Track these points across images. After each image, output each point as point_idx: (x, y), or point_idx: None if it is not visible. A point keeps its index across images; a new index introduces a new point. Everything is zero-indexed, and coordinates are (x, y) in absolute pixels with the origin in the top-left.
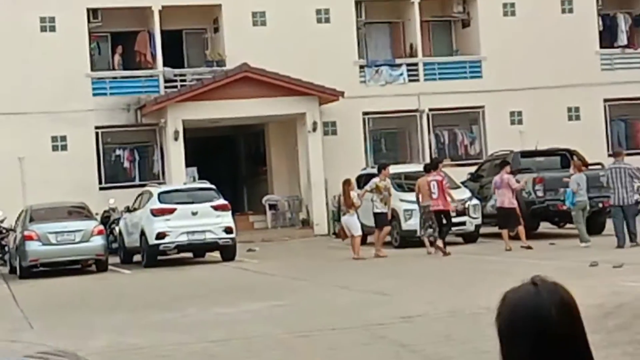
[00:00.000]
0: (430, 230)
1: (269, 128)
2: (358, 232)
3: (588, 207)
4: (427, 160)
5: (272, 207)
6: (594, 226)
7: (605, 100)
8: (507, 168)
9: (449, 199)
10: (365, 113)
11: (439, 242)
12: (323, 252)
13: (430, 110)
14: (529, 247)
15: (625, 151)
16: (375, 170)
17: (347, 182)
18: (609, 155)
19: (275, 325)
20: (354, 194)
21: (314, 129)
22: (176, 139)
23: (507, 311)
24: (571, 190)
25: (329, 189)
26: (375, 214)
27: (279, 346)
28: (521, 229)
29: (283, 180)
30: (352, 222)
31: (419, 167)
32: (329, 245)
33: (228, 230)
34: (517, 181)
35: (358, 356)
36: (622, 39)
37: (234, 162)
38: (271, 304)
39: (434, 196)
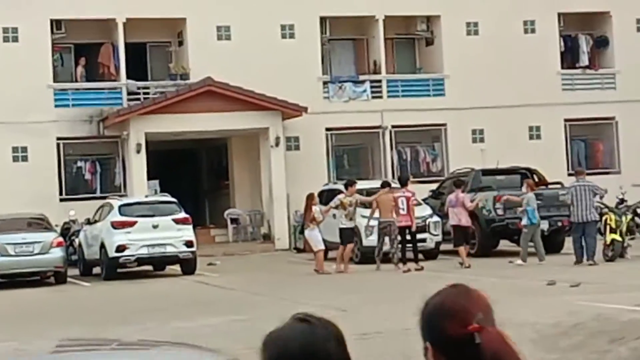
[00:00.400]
0: (393, 247)
1: (232, 142)
2: (320, 246)
3: (547, 226)
4: (389, 177)
5: (234, 221)
6: (553, 245)
7: (566, 120)
8: (461, 188)
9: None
10: (328, 129)
11: (396, 258)
12: (284, 267)
13: (393, 127)
14: (468, 266)
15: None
16: (337, 186)
17: (310, 197)
18: (569, 175)
19: (234, 340)
20: (316, 208)
21: (277, 144)
22: (138, 151)
23: (277, 351)
24: (533, 209)
25: (291, 203)
26: (341, 230)
27: None
28: (463, 250)
29: (245, 194)
30: (313, 237)
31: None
32: (289, 260)
33: (189, 243)
34: (471, 200)
35: None
36: (584, 59)
37: (196, 176)
38: (231, 318)
39: (402, 212)
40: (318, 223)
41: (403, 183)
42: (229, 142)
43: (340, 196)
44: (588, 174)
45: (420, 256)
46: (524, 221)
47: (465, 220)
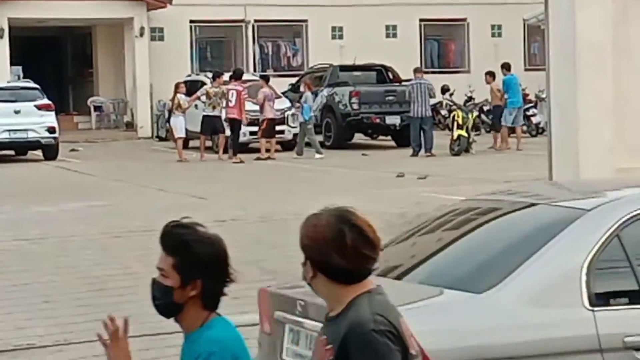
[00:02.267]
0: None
1: (97, 31)
2: (180, 134)
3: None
4: (251, 70)
5: (97, 108)
6: (404, 138)
7: (421, 20)
8: (262, 82)
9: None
10: (192, 21)
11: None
12: (146, 155)
13: (256, 21)
14: (242, 162)
15: (437, 69)
16: (200, 77)
17: (177, 85)
18: (425, 72)
19: (91, 225)
20: (181, 96)
21: (141, 34)
22: (1, 37)
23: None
24: (308, 106)
25: (154, 93)
26: (203, 117)
27: (94, 245)
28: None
29: (109, 83)
30: (177, 123)
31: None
32: (152, 148)
33: (51, 129)
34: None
35: None
36: None
37: (61, 64)
38: (89, 204)
39: (231, 104)
40: (183, 110)
41: (237, 77)
42: (93, 31)
43: (207, 86)
44: (440, 72)
45: (279, 147)
46: (300, 118)
47: (272, 113)
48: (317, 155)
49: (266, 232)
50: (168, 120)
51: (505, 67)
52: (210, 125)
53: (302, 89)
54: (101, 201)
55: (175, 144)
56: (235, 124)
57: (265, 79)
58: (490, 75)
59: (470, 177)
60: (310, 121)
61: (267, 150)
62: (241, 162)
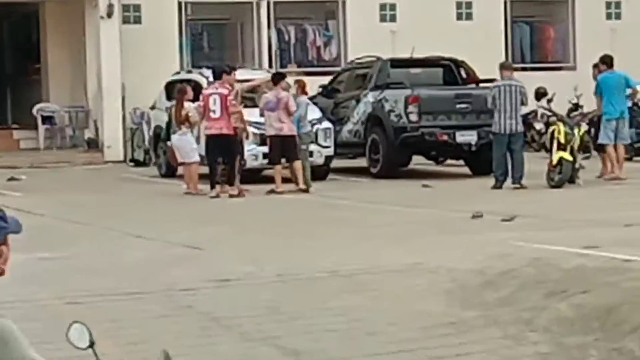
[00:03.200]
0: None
1: (46, 9)
2: (194, 157)
3: (475, 139)
4: (265, 65)
5: (47, 120)
6: (483, 163)
7: None
8: (283, 83)
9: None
10: None
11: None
12: (116, 186)
13: None
14: (306, 190)
15: (529, 64)
16: (193, 76)
17: (182, 91)
18: None
19: (39, 286)
20: (190, 105)
21: (109, 14)
22: None
23: None
24: (299, 116)
25: (128, 98)
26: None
27: (43, 315)
28: (298, 165)
29: (63, 83)
30: (185, 143)
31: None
32: (124, 176)
33: None
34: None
35: (152, 331)
36: None
37: None
38: (36, 256)
39: (214, 115)
40: (192, 125)
41: (217, 75)
42: (41, 9)
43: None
44: (534, 69)
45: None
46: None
47: (289, 129)
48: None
49: (286, 296)
50: (166, 140)
51: (604, 61)
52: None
53: (292, 90)
54: (53, 252)
55: (186, 170)
56: (226, 143)
57: (278, 78)
58: (604, 62)
59: (576, 219)
60: (306, 139)
61: (289, 180)
62: (240, 195)
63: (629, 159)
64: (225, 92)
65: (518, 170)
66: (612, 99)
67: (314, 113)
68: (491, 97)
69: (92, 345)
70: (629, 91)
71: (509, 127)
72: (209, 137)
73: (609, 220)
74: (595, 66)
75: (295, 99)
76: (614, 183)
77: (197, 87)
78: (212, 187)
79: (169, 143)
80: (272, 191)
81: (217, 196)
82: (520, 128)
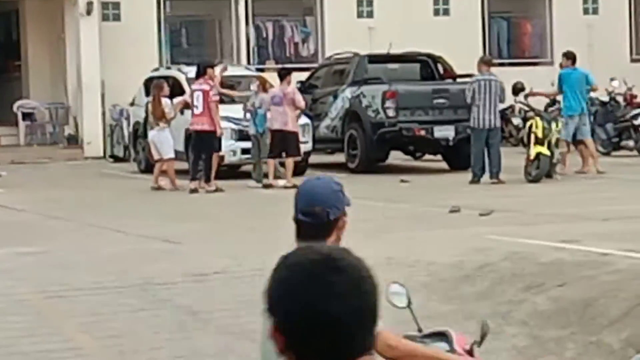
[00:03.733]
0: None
1: (25, 6)
2: (170, 154)
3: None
4: (244, 62)
5: (27, 116)
6: (461, 158)
7: None
8: (289, 78)
9: (217, 118)
10: None
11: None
12: (96, 182)
13: None
14: (295, 186)
15: (507, 60)
16: (172, 72)
17: (158, 87)
18: None
19: (18, 280)
20: (167, 101)
21: (89, 12)
22: None
23: None
24: (263, 113)
25: (107, 94)
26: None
27: (23, 309)
28: (290, 163)
29: (43, 80)
30: (163, 140)
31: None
32: (103, 172)
33: None
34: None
35: (130, 325)
36: None
37: None
38: (16, 251)
39: (196, 111)
40: (169, 120)
41: (201, 71)
42: (21, 7)
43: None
44: (512, 64)
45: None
46: (251, 129)
47: (293, 124)
48: (252, 183)
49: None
50: (144, 136)
51: (568, 57)
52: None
53: (253, 87)
54: (34, 247)
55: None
56: (206, 139)
57: (284, 73)
58: (569, 58)
59: (553, 213)
60: (266, 135)
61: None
62: (218, 190)
63: (607, 154)
64: (207, 87)
65: (495, 165)
66: (573, 95)
67: None
68: (470, 92)
69: (409, 305)
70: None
71: (488, 122)
72: (192, 132)
73: (587, 215)
74: (565, 55)
75: (257, 95)
76: (591, 177)
77: (175, 84)
78: (192, 180)
79: (147, 139)
80: (270, 185)
81: (196, 190)
82: (498, 123)
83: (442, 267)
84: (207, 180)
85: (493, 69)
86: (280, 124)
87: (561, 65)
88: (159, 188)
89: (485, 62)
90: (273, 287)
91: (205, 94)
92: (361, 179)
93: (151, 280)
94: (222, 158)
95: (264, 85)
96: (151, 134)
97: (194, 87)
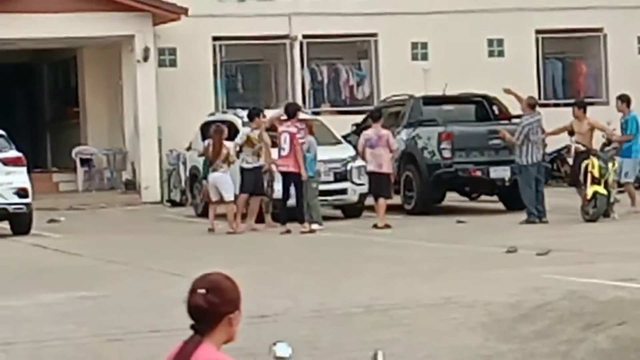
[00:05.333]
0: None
1: (84, 55)
2: (230, 197)
3: (508, 174)
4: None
5: (85, 162)
6: (516, 198)
7: (538, 32)
8: (381, 121)
9: (302, 161)
10: (216, 38)
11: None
12: (154, 225)
13: (305, 37)
14: (387, 226)
15: (562, 100)
16: (228, 117)
17: (219, 131)
18: (542, 105)
19: (79, 324)
20: (230, 145)
21: (145, 58)
22: None
23: None
24: (312, 156)
25: (164, 139)
26: (245, 170)
27: (82, 353)
28: (383, 203)
29: (101, 126)
30: (225, 182)
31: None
32: (161, 216)
33: (22, 192)
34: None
35: None
36: None
37: (34, 100)
38: (75, 295)
39: (283, 153)
40: (230, 164)
41: (290, 114)
42: (79, 55)
43: (246, 130)
44: (566, 105)
45: (339, 213)
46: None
47: (387, 166)
48: (315, 226)
49: (322, 331)
50: (203, 178)
51: (622, 99)
52: (252, 181)
53: (294, 129)
54: (92, 291)
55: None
56: (291, 181)
57: (376, 116)
58: (623, 101)
59: (611, 252)
60: (316, 178)
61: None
62: (288, 232)
63: None
64: (294, 130)
65: (540, 203)
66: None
67: (348, 151)
68: (524, 134)
69: None
70: None
71: (536, 157)
72: (283, 174)
73: None
74: (619, 98)
75: (305, 138)
76: None
77: (231, 128)
78: (283, 223)
79: (204, 182)
80: (375, 225)
81: (288, 231)
82: (543, 157)
83: (500, 307)
84: (302, 222)
85: (549, 110)
86: (375, 166)
87: (619, 109)
88: (213, 230)
89: (530, 105)
90: None
91: (292, 136)
92: (417, 220)
93: None
94: (262, 200)
95: (310, 129)
96: (214, 175)
97: (281, 128)
